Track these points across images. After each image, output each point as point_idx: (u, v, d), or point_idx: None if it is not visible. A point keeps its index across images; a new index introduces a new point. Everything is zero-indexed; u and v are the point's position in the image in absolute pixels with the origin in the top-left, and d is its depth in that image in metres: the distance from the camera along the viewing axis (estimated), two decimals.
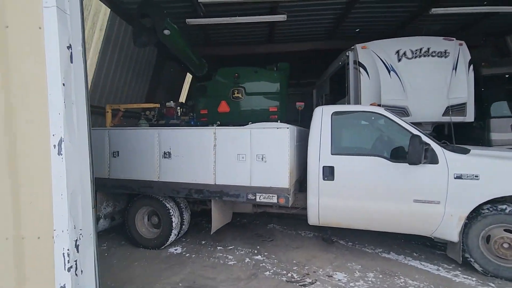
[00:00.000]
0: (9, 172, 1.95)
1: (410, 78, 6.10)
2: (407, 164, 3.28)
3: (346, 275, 3.39)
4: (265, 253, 4.06)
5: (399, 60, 6.24)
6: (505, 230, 3.07)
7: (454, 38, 6.29)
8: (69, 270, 1.93)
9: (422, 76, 6.08)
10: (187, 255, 4.08)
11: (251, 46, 9.82)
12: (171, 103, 6.64)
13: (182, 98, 12.67)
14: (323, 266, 3.62)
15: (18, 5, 1.93)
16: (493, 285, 3.09)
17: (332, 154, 3.60)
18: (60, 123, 1.92)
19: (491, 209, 3.10)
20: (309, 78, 13.90)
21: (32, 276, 1.96)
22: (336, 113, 3.73)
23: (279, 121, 6.90)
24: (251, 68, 7.66)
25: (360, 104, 6.19)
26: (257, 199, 3.67)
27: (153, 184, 4.11)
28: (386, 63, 6.26)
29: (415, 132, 3.34)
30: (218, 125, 6.82)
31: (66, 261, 1.93)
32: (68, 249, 1.93)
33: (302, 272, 3.49)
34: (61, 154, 1.92)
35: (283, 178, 3.56)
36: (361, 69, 6.45)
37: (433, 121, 6.12)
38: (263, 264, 3.75)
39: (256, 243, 4.46)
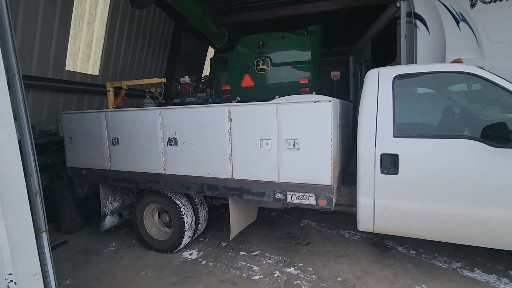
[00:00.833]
0: None
1: (488, 29, 4.58)
2: None
3: None
4: (300, 264, 3.19)
5: (473, 5, 4.69)
6: None
7: None
8: None
9: (504, 26, 4.54)
10: (204, 262, 3.34)
11: (275, 9, 8.49)
12: (186, 78, 5.78)
13: (204, 73, 11.82)
14: None
15: None
16: None
17: (395, 136, 2.51)
18: None
19: None
20: (343, 45, 12.27)
21: None
22: (400, 77, 2.58)
23: (314, 93, 5.76)
24: (277, 33, 6.50)
25: None
26: (288, 199, 2.74)
27: (158, 178, 3.34)
28: (453, 12, 4.75)
29: None
30: (238, 102, 5.88)
31: None
32: None
33: None
34: None
35: (324, 172, 2.57)
36: (418, 23, 4.98)
37: None
38: (298, 281, 2.89)
39: (288, 247, 3.60)
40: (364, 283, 2.77)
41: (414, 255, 3.23)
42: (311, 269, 3.08)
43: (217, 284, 2.91)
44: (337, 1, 7.89)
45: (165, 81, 4.14)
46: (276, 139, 2.69)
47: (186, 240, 3.52)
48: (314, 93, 4.85)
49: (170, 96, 6.65)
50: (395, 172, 2.50)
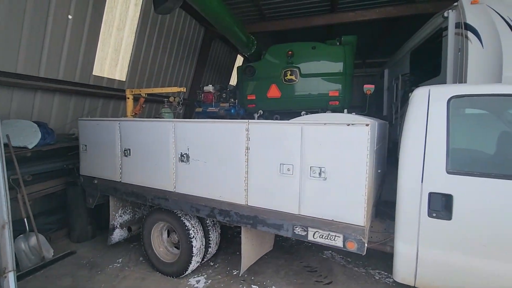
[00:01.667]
0: None
1: None
2: None
3: None
4: None
5: None
6: None
7: None
8: None
9: None
10: None
11: (308, 18, 8.13)
12: (209, 87, 5.58)
13: (232, 82, 11.71)
14: None
15: None
16: None
17: (449, 172, 2.02)
18: None
19: None
20: (378, 56, 11.62)
21: None
22: (458, 98, 2.09)
23: (345, 110, 5.29)
24: (308, 43, 6.16)
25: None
26: (310, 237, 2.31)
27: (168, 195, 3.07)
28: None
29: None
30: (260, 116, 5.55)
31: None
32: None
33: None
34: None
35: (355, 209, 2.12)
36: (470, 35, 4.37)
37: None
38: None
39: (307, 285, 3.14)
40: None
41: None
42: None
43: None
44: (375, 10, 7.37)
45: (184, 90, 3.91)
46: (299, 165, 2.30)
47: (193, 265, 3.19)
48: (345, 110, 4.38)
49: (194, 105, 6.49)
50: (448, 217, 2.00)
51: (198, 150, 2.80)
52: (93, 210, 4.18)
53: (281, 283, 3.17)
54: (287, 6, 7.44)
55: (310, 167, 2.26)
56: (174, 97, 4.23)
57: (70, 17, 4.50)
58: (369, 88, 6.83)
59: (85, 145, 3.76)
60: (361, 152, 2.05)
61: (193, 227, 3.15)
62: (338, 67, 6.06)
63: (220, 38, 9.28)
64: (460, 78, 4.44)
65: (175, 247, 3.48)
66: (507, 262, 1.90)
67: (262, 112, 5.85)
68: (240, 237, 2.81)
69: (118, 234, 3.82)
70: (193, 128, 2.83)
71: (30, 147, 3.70)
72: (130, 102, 4.28)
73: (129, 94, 4.32)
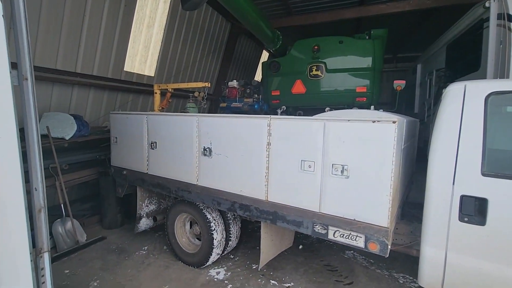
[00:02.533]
0: None
1: None
2: None
3: None
4: None
5: None
6: None
7: None
8: None
9: None
10: (229, 286, 3.04)
11: (338, 11, 7.88)
12: (234, 83, 5.62)
13: (257, 78, 11.72)
14: None
15: None
16: None
17: (484, 174, 1.87)
18: None
19: None
20: (410, 50, 11.03)
21: None
22: (498, 95, 1.93)
23: (372, 107, 5.11)
24: (335, 37, 5.99)
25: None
26: (330, 236, 2.27)
27: (191, 188, 3.15)
28: None
29: None
30: (283, 112, 5.50)
31: None
32: None
33: None
34: None
35: (379, 210, 2.05)
36: None
37: None
38: None
39: (327, 284, 3.10)
40: None
41: None
42: None
43: None
44: (408, 1, 6.96)
45: (209, 85, 3.98)
46: (320, 162, 2.26)
47: (214, 257, 3.27)
48: (372, 107, 4.21)
49: (219, 100, 6.59)
50: (482, 222, 1.86)
51: (220, 144, 2.85)
52: (122, 200, 4.42)
53: (300, 280, 3.15)
54: (315, 0, 7.27)
55: (332, 164, 2.20)
56: (199, 92, 4.32)
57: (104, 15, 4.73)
58: (399, 84, 6.51)
59: (116, 138, 3.96)
60: (387, 151, 1.97)
61: (214, 220, 3.21)
62: (366, 61, 5.84)
63: (246, 34, 9.29)
64: (502, 73, 4.10)
65: (197, 238, 3.58)
66: None
67: (285, 108, 5.79)
68: (260, 232, 2.83)
69: (144, 223, 4.00)
70: (216, 123, 2.88)
71: (67, 138, 3.97)
72: (157, 97, 4.44)
73: (156, 89, 4.48)
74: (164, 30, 6.51)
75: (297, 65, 6.01)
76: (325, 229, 2.29)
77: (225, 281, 3.13)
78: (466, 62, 5.15)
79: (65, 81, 4.46)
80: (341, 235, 2.21)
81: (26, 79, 1.32)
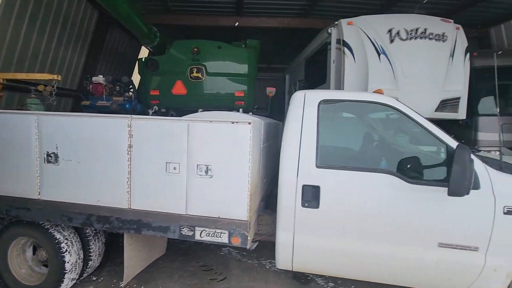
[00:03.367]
0: None
1: (403, 64, 4.97)
2: (430, 186, 2.12)
3: None
4: None
5: (392, 41, 5.05)
6: None
7: (452, 21, 5.25)
8: None
9: (416, 62, 4.98)
10: None
11: (217, 17, 8.15)
12: (100, 78, 4.93)
13: (135, 76, 10.71)
14: None
15: None
16: None
17: (317, 167, 2.30)
18: None
19: None
20: (280, 62, 12.61)
21: None
22: (326, 102, 2.41)
23: (240, 110, 5.50)
24: (214, 42, 6.18)
25: None
26: (197, 237, 2.28)
27: (30, 204, 2.53)
28: (376, 44, 5.04)
29: (452, 141, 2.12)
30: (154, 112, 5.28)
31: None
32: None
33: None
34: None
35: (239, 205, 2.19)
36: (346, 50, 5.18)
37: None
38: None
39: (201, 284, 3.11)
40: None
41: (332, 287, 3.09)
42: None
43: None
44: (276, 19, 7.93)
45: (59, 78, 3.31)
46: (185, 163, 2.23)
47: (68, 284, 2.73)
48: (240, 110, 4.53)
49: (80, 98, 5.64)
50: (316, 205, 2.27)
51: (70, 148, 2.40)
52: None
53: (175, 287, 3.04)
54: (192, 2, 7.26)
55: (197, 165, 2.22)
56: (46, 86, 3.53)
57: None
58: (271, 90, 7.31)
59: None
60: (244, 150, 2.14)
61: (66, 239, 2.68)
62: (243, 68, 6.26)
63: (120, 26, 8.36)
64: (339, 86, 5.22)
65: (44, 265, 2.90)
66: (364, 243, 2.28)
67: (157, 108, 5.56)
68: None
69: None
70: (64, 122, 2.42)
71: None
72: None
73: None
74: (1, 3, 5.05)
75: (177, 65, 5.88)
76: (192, 230, 2.27)
77: None
78: (318, 76, 6.29)
79: None
80: (207, 234, 2.26)
81: None
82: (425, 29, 4.98)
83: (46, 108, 3.50)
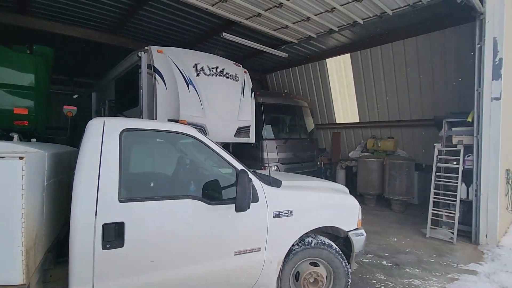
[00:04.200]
0: None
1: (208, 95, 5.71)
2: (225, 205, 2.48)
3: None
4: None
5: (198, 74, 5.70)
6: (311, 264, 2.98)
7: (241, 65, 6.66)
8: None
9: (218, 96, 5.89)
10: None
11: None
12: None
13: None
14: None
15: None
16: None
17: (121, 200, 2.13)
18: None
19: (300, 244, 2.92)
20: (85, 77, 11.03)
21: None
22: (129, 131, 2.30)
23: (34, 139, 4.31)
24: None
25: (156, 118, 5.04)
26: None
27: None
28: (184, 75, 5.49)
29: (238, 165, 2.58)
30: None
31: None
32: None
33: None
34: None
35: (10, 266, 1.64)
36: (157, 77, 5.31)
37: (225, 142, 6.06)
38: None
39: None
40: None
41: None
42: None
43: None
44: (75, 28, 6.85)
45: None
46: None
47: None
48: (34, 139, 3.50)
49: None
50: (121, 244, 2.08)
51: None
52: None
53: None
54: None
55: None
56: None
57: None
58: (70, 109, 6.14)
59: None
60: (13, 194, 1.64)
61: None
62: (27, 79, 4.99)
63: None
64: (153, 111, 5.21)
65: None
66: (172, 269, 2.30)
67: None
68: None
69: None
70: None
71: None
72: None
73: None
74: None
75: None
76: None
77: None
78: (130, 98, 5.97)
79: None
80: None
81: None
82: (223, 69, 5.98)
83: None
